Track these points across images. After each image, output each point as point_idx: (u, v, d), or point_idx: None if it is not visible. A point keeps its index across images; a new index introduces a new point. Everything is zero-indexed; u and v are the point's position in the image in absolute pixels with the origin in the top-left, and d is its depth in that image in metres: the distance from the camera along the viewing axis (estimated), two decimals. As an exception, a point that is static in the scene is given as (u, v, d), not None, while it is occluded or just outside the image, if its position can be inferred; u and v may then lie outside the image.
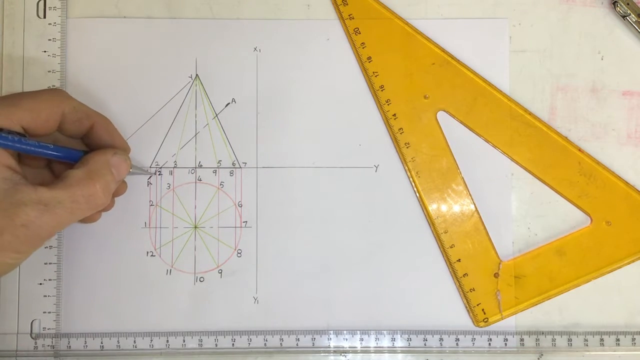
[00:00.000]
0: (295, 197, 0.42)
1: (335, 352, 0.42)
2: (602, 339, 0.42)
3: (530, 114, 0.43)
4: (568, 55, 0.43)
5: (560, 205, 0.43)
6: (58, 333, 0.41)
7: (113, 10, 0.43)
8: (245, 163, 0.42)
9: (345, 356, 0.42)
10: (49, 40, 0.42)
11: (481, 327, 0.42)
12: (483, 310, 0.42)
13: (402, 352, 0.42)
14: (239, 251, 0.42)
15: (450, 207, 0.42)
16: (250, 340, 0.41)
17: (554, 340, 0.42)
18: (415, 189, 0.42)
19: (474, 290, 0.42)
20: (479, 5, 0.43)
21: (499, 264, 0.42)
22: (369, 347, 0.42)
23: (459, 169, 0.42)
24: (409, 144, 0.42)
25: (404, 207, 0.42)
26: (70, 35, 0.42)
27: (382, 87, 0.42)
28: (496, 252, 0.42)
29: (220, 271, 0.42)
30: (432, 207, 0.42)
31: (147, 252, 0.42)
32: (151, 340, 0.41)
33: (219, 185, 0.42)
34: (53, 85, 0.42)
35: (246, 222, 0.42)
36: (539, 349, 0.42)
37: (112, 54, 0.42)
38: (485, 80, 0.43)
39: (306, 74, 0.43)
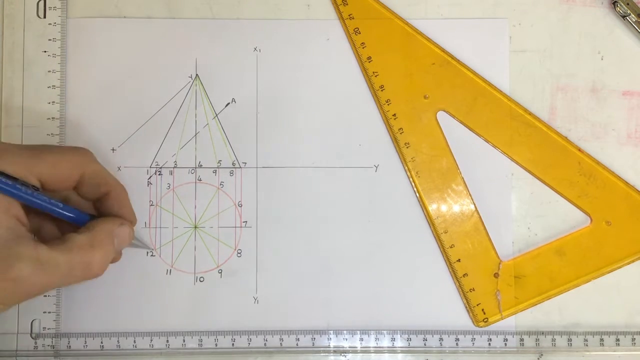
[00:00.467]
0: (295, 197, 0.42)
1: (335, 352, 0.42)
2: (602, 339, 0.42)
3: (530, 114, 0.43)
4: (568, 55, 0.43)
5: (560, 205, 0.43)
6: (58, 333, 0.41)
7: (113, 10, 0.43)
8: (245, 163, 0.42)
9: (345, 356, 0.42)
10: (49, 40, 0.42)
11: (481, 327, 0.42)
12: (483, 310, 0.42)
13: (402, 352, 0.42)
14: (239, 251, 0.42)
15: (450, 207, 0.42)
16: (250, 340, 0.41)
17: (553, 340, 0.42)
18: (415, 189, 0.42)
19: (473, 290, 0.42)
20: (479, 5, 0.43)
21: (499, 264, 0.42)
22: (369, 347, 0.42)
23: (459, 169, 0.42)
24: (409, 144, 0.42)
25: (404, 207, 0.42)
26: (70, 35, 0.42)
27: (382, 87, 0.42)
28: (496, 252, 0.42)
29: (220, 271, 0.42)
30: (432, 207, 0.42)
31: (147, 252, 0.42)
32: (151, 340, 0.41)
33: (219, 185, 0.42)
34: (53, 86, 0.42)
35: (246, 222, 0.42)
36: (538, 349, 0.42)
37: (112, 54, 0.42)
38: (485, 80, 0.43)
39: (306, 74, 0.43)
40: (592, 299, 0.42)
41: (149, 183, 0.42)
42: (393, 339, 0.42)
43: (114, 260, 0.38)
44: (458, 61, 0.43)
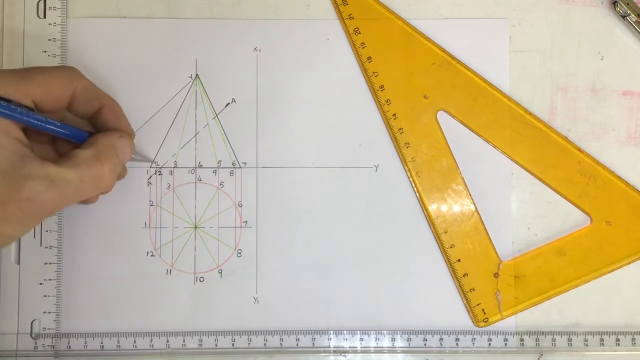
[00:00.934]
0: (295, 197, 0.42)
1: (335, 352, 0.42)
2: (602, 339, 0.42)
3: (530, 114, 0.43)
4: (568, 55, 0.43)
5: (560, 205, 0.43)
6: (58, 333, 0.41)
7: (113, 10, 0.43)
8: (245, 163, 0.42)
9: (345, 356, 0.42)
10: (49, 40, 0.42)
11: (481, 327, 0.42)
12: (483, 310, 0.42)
13: (402, 352, 0.42)
14: (239, 251, 0.42)
15: (450, 207, 0.42)
16: (250, 340, 0.41)
17: (554, 340, 0.42)
18: (415, 189, 0.42)
19: (474, 290, 0.42)
20: (479, 5, 0.43)
21: (499, 264, 0.42)
22: (369, 347, 0.42)
23: (459, 169, 0.42)
24: (409, 144, 0.42)
25: (404, 207, 0.42)
26: (70, 35, 0.42)
27: (382, 87, 0.42)
28: (496, 252, 0.42)
29: (220, 271, 0.42)
30: (432, 207, 0.42)
31: (147, 252, 0.42)
32: (151, 340, 0.41)
33: (219, 185, 0.42)
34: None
35: (246, 222, 0.42)
36: (539, 349, 0.42)
37: (112, 54, 0.42)
38: (485, 80, 0.43)
39: (306, 74, 0.43)
40: (592, 299, 0.42)
41: (149, 183, 0.42)
42: (393, 339, 0.42)
43: (120, 177, 0.39)
44: (458, 61, 0.43)
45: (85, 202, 0.39)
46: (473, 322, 0.42)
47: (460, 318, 0.42)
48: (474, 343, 0.42)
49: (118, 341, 0.41)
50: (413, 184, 0.42)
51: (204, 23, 0.43)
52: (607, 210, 0.42)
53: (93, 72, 0.42)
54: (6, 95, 0.32)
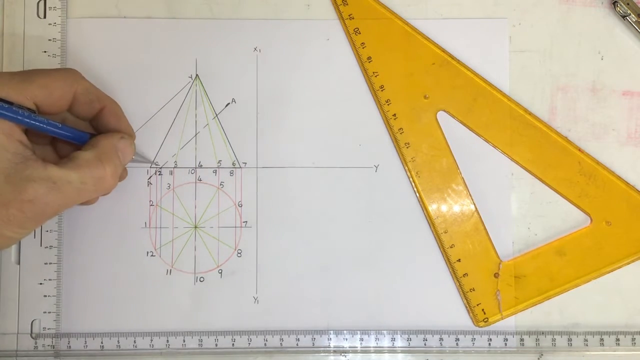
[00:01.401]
0: (295, 197, 0.42)
1: (335, 352, 0.42)
2: (602, 339, 0.42)
3: (530, 114, 0.43)
4: (568, 55, 0.43)
5: (560, 205, 0.43)
6: (58, 333, 0.41)
7: (113, 10, 0.43)
8: (245, 163, 0.42)
9: (345, 356, 0.42)
10: (49, 40, 0.42)
11: (481, 327, 0.42)
12: (483, 310, 0.42)
13: (402, 352, 0.42)
14: (239, 251, 0.42)
15: (450, 207, 0.42)
16: (250, 340, 0.41)
17: (554, 340, 0.42)
18: (415, 189, 0.42)
19: (474, 290, 0.42)
20: (479, 5, 0.43)
21: (499, 264, 0.42)
22: (369, 347, 0.42)
23: (459, 169, 0.42)
24: (409, 144, 0.42)
25: (404, 207, 0.42)
26: (70, 35, 0.42)
27: (382, 87, 0.42)
28: (496, 252, 0.42)
29: (220, 271, 0.42)
30: (432, 207, 0.42)
31: (147, 252, 0.42)
32: (151, 340, 0.41)
33: (219, 185, 0.42)
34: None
35: (246, 222, 0.42)
36: (539, 349, 0.42)
37: (112, 54, 0.42)
38: (485, 80, 0.43)
39: (306, 74, 0.43)
40: (592, 299, 0.42)
41: (149, 183, 0.42)
42: (393, 339, 0.42)
43: (121, 178, 0.39)
44: (458, 61, 0.43)
45: (86, 203, 0.39)
46: (473, 322, 0.42)
47: (460, 318, 0.42)
48: (474, 343, 0.42)
49: (118, 341, 0.41)
50: (413, 184, 0.42)
51: (204, 23, 0.43)
52: (607, 210, 0.42)
53: (93, 72, 0.42)
54: (8, 97, 0.33)
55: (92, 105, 0.37)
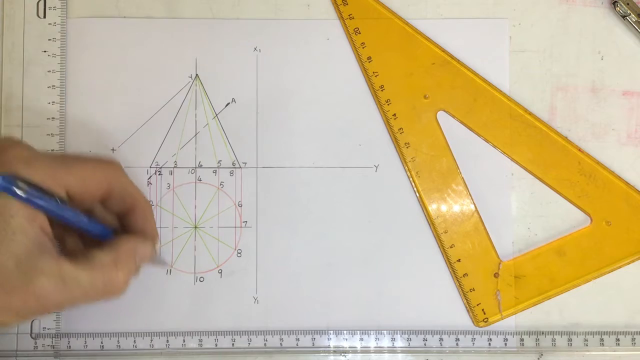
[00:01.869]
0: (295, 197, 0.42)
1: (335, 352, 0.42)
2: (602, 339, 0.42)
3: (530, 114, 0.43)
4: (568, 55, 0.43)
5: (560, 205, 0.43)
6: (58, 333, 0.41)
7: (113, 10, 0.43)
8: (245, 163, 0.42)
9: (345, 356, 0.42)
10: (49, 40, 0.42)
11: (481, 327, 0.42)
12: (483, 310, 0.42)
13: (402, 352, 0.42)
14: (239, 251, 0.42)
15: (450, 207, 0.42)
16: (250, 340, 0.41)
17: (554, 340, 0.42)
18: (415, 189, 0.42)
19: (474, 290, 0.42)
20: (479, 5, 0.43)
21: (499, 264, 0.42)
22: (369, 347, 0.42)
23: (459, 169, 0.42)
24: (409, 144, 0.42)
25: (404, 207, 0.42)
26: (70, 35, 0.42)
27: (382, 87, 0.42)
28: (496, 252, 0.42)
29: (220, 271, 0.42)
30: (432, 207, 0.42)
31: (147, 252, 0.42)
32: (151, 340, 0.41)
33: (219, 185, 0.42)
34: (53, 86, 0.42)
35: (246, 222, 0.42)
36: (539, 349, 0.42)
37: (112, 54, 0.42)
38: (485, 80, 0.43)
39: (306, 74, 0.43)
40: (592, 299, 0.42)
41: (149, 183, 0.42)
42: (393, 339, 0.42)
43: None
44: (458, 61, 0.43)
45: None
46: (473, 322, 0.42)
47: (460, 318, 0.42)
48: (474, 343, 0.42)
49: (118, 341, 0.41)
50: (413, 184, 0.42)
51: (204, 23, 0.43)
52: (607, 210, 0.42)
53: (93, 72, 0.42)
54: (41, 183, 0.32)
55: (125, 202, 0.36)
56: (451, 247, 0.42)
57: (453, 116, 0.43)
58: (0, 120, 0.42)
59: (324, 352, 0.42)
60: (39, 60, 0.42)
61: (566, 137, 0.43)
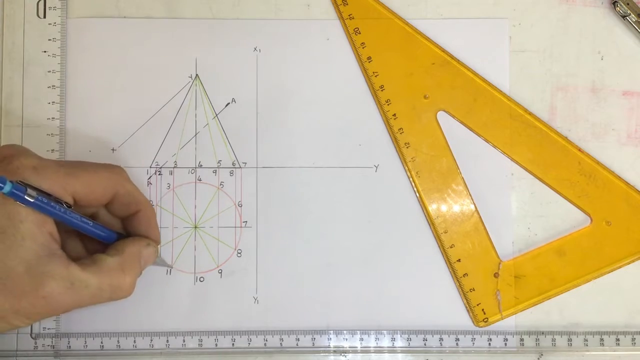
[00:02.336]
0: (295, 197, 0.42)
1: (335, 352, 0.42)
2: (602, 339, 0.42)
3: (530, 114, 0.43)
4: (568, 55, 0.43)
5: (560, 205, 0.43)
6: (58, 333, 0.41)
7: (113, 10, 0.43)
8: (245, 163, 0.42)
9: (345, 356, 0.42)
10: (49, 40, 0.42)
11: (481, 327, 0.42)
12: (483, 310, 0.42)
13: (402, 352, 0.42)
14: (239, 251, 0.42)
15: (450, 207, 0.42)
16: (250, 340, 0.41)
17: (553, 340, 0.42)
18: (415, 189, 0.42)
19: (474, 290, 0.42)
20: (478, 5, 0.43)
21: (499, 264, 0.42)
22: (369, 347, 0.42)
23: (459, 169, 0.42)
24: (409, 144, 0.42)
25: (404, 207, 0.42)
26: (70, 35, 0.42)
27: (382, 87, 0.42)
28: (496, 252, 0.42)
29: (220, 271, 0.42)
30: (432, 207, 0.42)
31: (147, 252, 0.42)
32: (151, 340, 0.41)
33: (219, 185, 0.42)
34: (53, 86, 0.42)
35: (246, 222, 0.42)
36: (538, 349, 0.42)
37: (112, 54, 0.42)
38: (485, 80, 0.43)
39: (306, 74, 0.43)
40: (592, 299, 0.42)
41: (149, 183, 0.42)
42: (393, 339, 0.42)
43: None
44: (458, 61, 0.43)
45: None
46: (473, 322, 0.42)
47: (460, 318, 0.42)
48: (474, 343, 0.42)
49: (118, 341, 0.41)
50: (413, 184, 0.42)
51: (204, 23, 0.43)
52: (607, 210, 0.42)
53: (93, 72, 0.42)
54: (49, 190, 0.33)
55: (129, 207, 0.37)
56: (451, 247, 0.42)
57: (453, 116, 0.43)
58: (1, 120, 0.42)
59: (324, 352, 0.42)
60: (39, 60, 0.42)
61: (566, 137, 0.43)
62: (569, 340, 0.42)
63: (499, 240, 0.42)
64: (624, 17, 0.43)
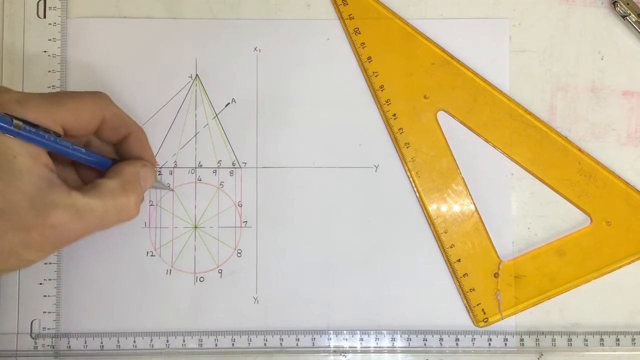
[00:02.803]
0: (295, 197, 0.42)
1: (335, 352, 0.42)
2: (602, 339, 0.42)
3: (530, 114, 0.43)
4: (568, 55, 0.43)
5: (560, 205, 0.43)
6: (58, 333, 0.41)
7: (113, 10, 0.43)
8: (245, 163, 0.42)
9: (345, 356, 0.42)
10: (49, 40, 0.42)
11: (481, 327, 0.42)
12: (483, 310, 0.42)
13: (402, 352, 0.42)
14: (239, 251, 0.42)
15: (450, 207, 0.42)
16: (250, 340, 0.41)
17: (553, 340, 0.42)
18: (415, 189, 0.42)
19: (474, 290, 0.42)
20: (479, 5, 0.43)
21: (499, 264, 0.42)
22: (369, 347, 0.42)
23: (459, 169, 0.42)
24: (409, 144, 0.42)
25: (404, 207, 0.42)
26: (70, 35, 0.42)
27: (382, 87, 0.43)
28: (496, 252, 0.42)
29: (220, 271, 0.42)
30: (432, 207, 0.42)
31: (147, 252, 0.42)
32: (151, 340, 0.41)
33: (219, 185, 0.42)
34: (53, 86, 0.42)
35: (246, 222, 0.42)
36: (538, 349, 0.42)
37: (112, 54, 0.42)
38: (485, 80, 0.43)
39: (306, 74, 0.43)
40: (592, 299, 0.42)
41: (149, 183, 0.42)
42: (393, 339, 0.42)
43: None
44: (458, 61, 0.43)
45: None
46: (473, 322, 0.42)
47: (460, 318, 0.42)
48: (474, 343, 0.42)
49: (118, 341, 0.41)
50: (413, 184, 0.42)
51: (204, 23, 0.43)
52: (607, 210, 0.42)
53: (93, 72, 0.42)
54: (36, 121, 0.32)
55: (119, 131, 0.37)
56: (451, 247, 0.42)
57: (453, 116, 0.43)
58: (0, 120, 0.42)
59: (324, 352, 0.42)
60: (39, 60, 0.42)
61: (566, 137, 0.43)
62: (569, 340, 0.42)
63: (499, 240, 0.42)
64: (624, 17, 0.43)
